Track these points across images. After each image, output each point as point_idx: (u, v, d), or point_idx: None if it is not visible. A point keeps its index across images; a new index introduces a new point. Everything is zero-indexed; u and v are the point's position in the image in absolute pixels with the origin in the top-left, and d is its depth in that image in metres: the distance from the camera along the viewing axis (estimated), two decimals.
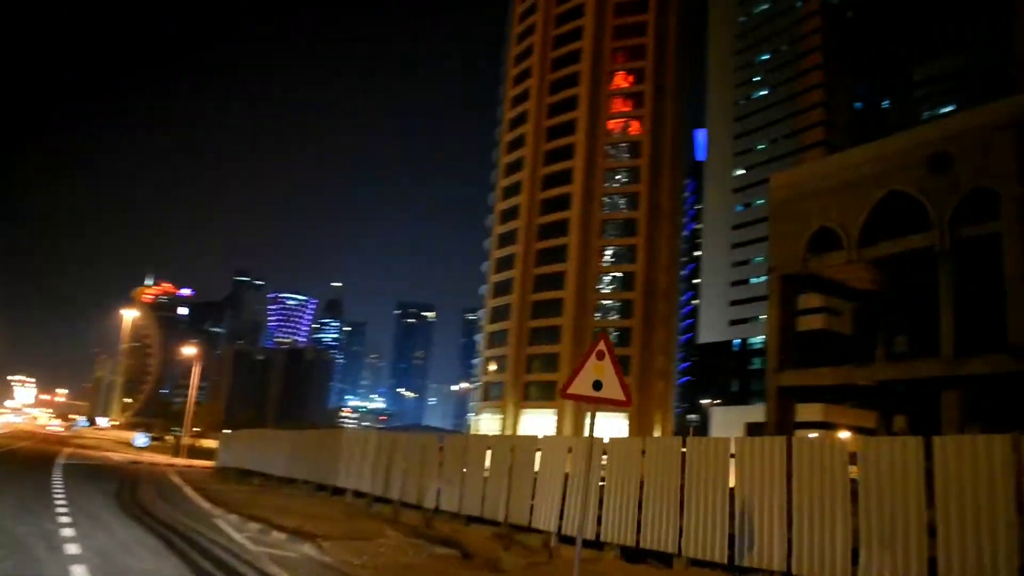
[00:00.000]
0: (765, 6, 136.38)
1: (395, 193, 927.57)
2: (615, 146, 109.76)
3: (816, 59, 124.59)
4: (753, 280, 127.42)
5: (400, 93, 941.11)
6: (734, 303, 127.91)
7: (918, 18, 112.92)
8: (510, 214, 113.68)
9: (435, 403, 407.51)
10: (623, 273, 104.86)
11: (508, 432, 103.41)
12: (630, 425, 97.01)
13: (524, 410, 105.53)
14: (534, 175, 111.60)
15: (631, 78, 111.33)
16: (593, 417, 10.62)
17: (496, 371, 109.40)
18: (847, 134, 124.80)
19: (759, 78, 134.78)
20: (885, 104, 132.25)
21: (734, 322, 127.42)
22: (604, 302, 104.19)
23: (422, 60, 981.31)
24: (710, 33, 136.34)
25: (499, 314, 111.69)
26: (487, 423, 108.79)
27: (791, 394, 49.55)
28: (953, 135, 41.58)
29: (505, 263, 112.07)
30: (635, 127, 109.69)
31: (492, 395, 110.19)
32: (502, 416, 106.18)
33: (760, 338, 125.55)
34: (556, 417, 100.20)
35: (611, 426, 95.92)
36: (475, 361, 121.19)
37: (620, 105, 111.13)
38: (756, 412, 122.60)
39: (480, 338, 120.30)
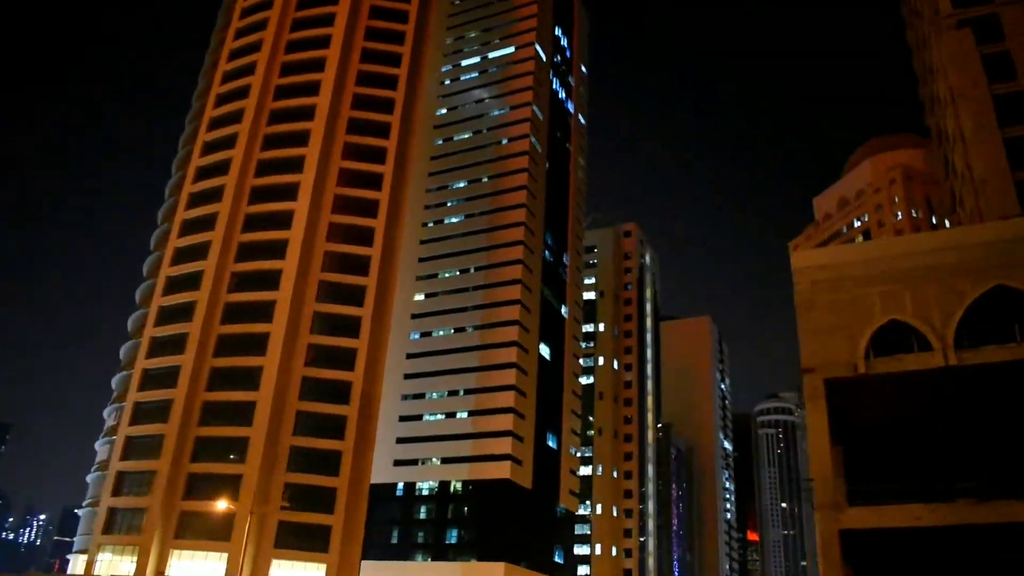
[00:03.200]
0: (466, 135, 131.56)
1: None
2: None
3: (520, 198, 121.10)
4: (427, 417, 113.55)
5: None
6: (401, 440, 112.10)
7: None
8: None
9: None
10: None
11: None
12: None
13: (176, 552, 75.23)
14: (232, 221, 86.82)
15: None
16: None
17: (132, 491, 77.96)
18: (539, 277, 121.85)
19: (452, 203, 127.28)
20: (565, 259, 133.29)
21: (400, 462, 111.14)
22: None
23: None
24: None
25: (147, 413, 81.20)
26: (110, 566, 75.49)
27: (861, 543, 36.69)
28: None
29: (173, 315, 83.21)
30: None
31: (121, 524, 77.55)
32: (135, 558, 74.36)
33: (428, 483, 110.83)
34: (225, 564, 72.63)
35: None
36: (91, 475, 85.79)
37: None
38: (421, 570, 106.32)
39: (101, 444, 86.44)
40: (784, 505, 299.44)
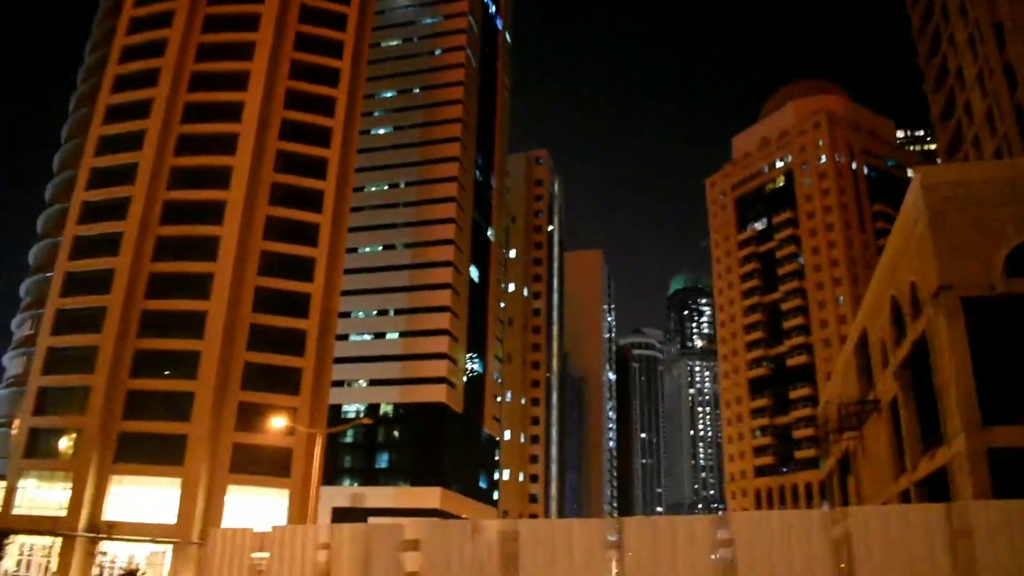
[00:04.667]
0: (395, 42, 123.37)
1: None
2: None
3: (456, 112, 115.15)
4: (354, 337, 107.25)
5: None
6: None
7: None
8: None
9: None
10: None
11: (85, 513, 64.47)
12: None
13: (115, 476, 66.96)
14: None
15: None
16: None
17: (58, 410, 68.61)
18: (472, 197, 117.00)
19: (380, 113, 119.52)
20: (492, 181, 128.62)
21: None
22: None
23: None
24: None
25: (74, 321, 71.22)
26: (36, 496, 66.39)
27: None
28: None
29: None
30: None
31: (47, 448, 68.20)
32: (68, 485, 65.66)
33: (355, 406, 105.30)
34: (179, 492, 65.55)
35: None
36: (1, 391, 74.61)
37: None
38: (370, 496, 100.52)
39: (12, 356, 75.49)
40: (643, 436, 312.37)
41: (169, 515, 65.61)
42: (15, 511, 66.11)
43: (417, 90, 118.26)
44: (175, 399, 68.87)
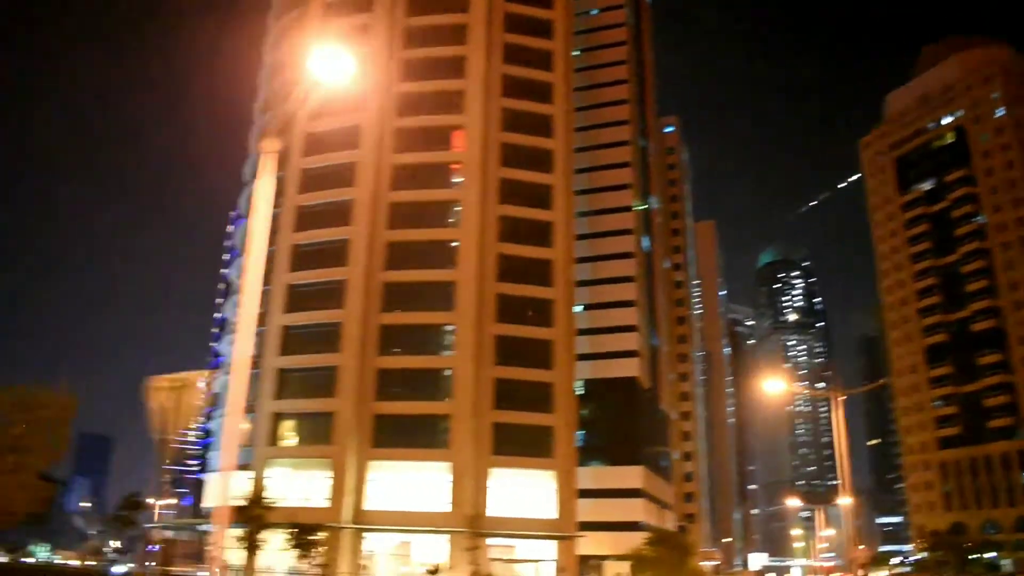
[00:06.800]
0: None
1: None
2: None
3: (622, 73, 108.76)
4: None
5: None
6: None
7: None
8: None
9: None
10: None
11: (349, 503, 59.53)
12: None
13: (372, 463, 61.86)
14: None
15: None
16: None
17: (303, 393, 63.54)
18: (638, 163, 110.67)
19: None
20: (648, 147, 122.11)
21: None
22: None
23: None
24: None
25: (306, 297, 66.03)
26: (287, 482, 61.50)
27: None
28: None
29: None
30: None
31: (302, 433, 63.32)
32: (328, 473, 60.63)
33: None
34: (451, 476, 60.35)
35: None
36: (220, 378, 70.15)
37: None
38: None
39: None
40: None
41: (436, 502, 60.48)
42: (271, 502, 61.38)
43: (578, 52, 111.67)
44: (427, 377, 63.77)
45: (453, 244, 66.40)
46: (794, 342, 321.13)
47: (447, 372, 63.48)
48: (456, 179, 68.96)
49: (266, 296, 68.74)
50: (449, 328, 64.60)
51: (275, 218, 70.18)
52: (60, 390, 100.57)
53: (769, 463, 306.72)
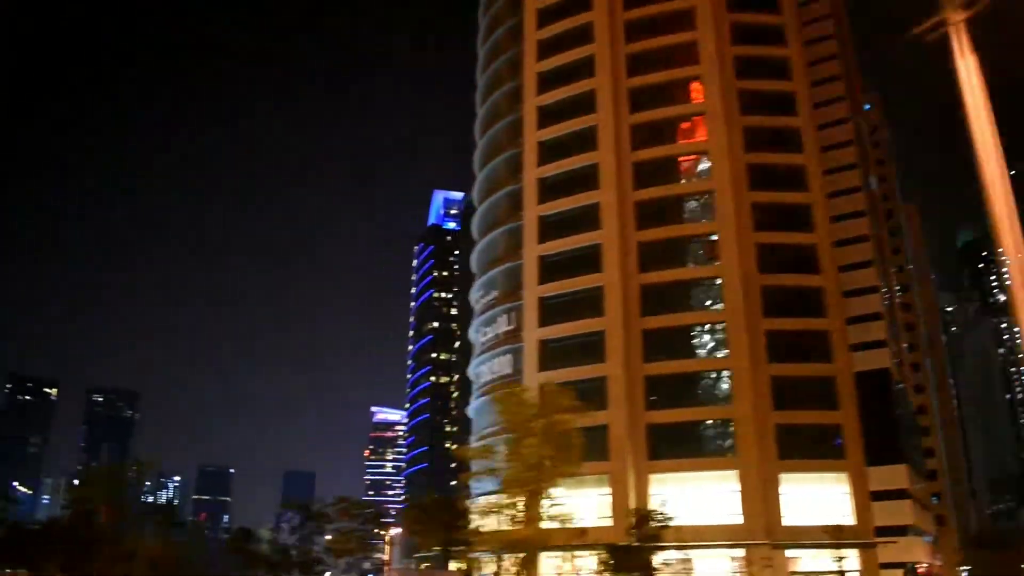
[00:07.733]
0: None
1: None
2: None
3: (831, 48, 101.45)
4: None
5: None
6: None
7: None
8: None
9: (48, 502, 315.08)
10: None
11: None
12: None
13: (653, 476, 58.44)
14: None
15: None
16: None
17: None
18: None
19: None
20: None
21: None
22: None
23: None
24: None
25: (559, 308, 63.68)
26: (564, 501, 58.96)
27: None
28: None
29: None
30: None
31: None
32: (607, 490, 57.66)
33: None
34: (739, 487, 55.90)
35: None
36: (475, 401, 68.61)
37: None
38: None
39: (479, 365, 69.48)
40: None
41: (725, 514, 56.29)
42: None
43: None
44: (697, 380, 59.89)
45: (712, 238, 62.45)
46: (1007, 324, 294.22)
47: (715, 375, 59.38)
48: (702, 166, 65.28)
49: (516, 312, 67.23)
50: (719, 326, 60.53)
51: (510, 235, 68.83)
52: None
53: (983, 458, 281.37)
